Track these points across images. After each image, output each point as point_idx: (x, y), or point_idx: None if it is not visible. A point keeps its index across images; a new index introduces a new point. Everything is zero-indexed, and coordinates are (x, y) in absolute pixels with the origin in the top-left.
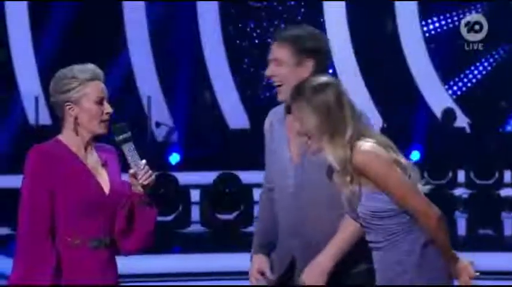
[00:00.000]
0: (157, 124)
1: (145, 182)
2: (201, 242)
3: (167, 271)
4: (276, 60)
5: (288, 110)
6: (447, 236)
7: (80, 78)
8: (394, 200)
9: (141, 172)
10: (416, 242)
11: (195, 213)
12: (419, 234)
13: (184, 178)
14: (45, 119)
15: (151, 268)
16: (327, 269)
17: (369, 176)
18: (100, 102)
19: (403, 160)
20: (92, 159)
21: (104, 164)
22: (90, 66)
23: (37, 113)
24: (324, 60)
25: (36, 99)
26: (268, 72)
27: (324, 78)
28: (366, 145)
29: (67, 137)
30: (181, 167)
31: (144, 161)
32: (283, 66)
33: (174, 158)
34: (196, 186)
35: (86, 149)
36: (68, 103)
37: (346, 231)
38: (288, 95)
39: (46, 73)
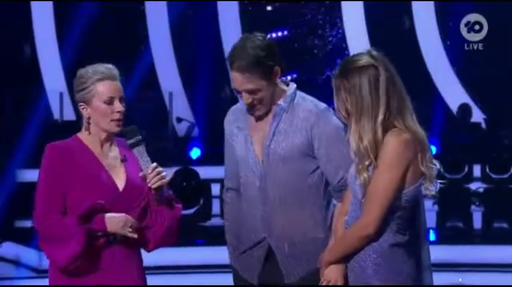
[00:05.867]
0: (179, 120)
1: (154, 186)
2: (222, 235)
3: (189, 263)
4: (248, 90)
5: (250, 112)
6: (352, 250)
7: (91, 78)
8: (366, 186)
9: (150, 175)
10: (384, 241)
11: (216, 206)
12: (389, 235)
13: (205, 172)
14: (69, 114)
15: (173, 260)
16: (342, 267)
17: (380, 155)
18: (110, 101)
19: (423, 167)
20: (110, 156)
21: (123, 160)
22: (104, 66)
23: (61, 109)
24: (281, 59)
25: (61, 95)
26: (246, 101)
27: (365, 59)
28: (403, 134)
29: (84, 134)
30: (202, 161)
31: (154, 164)
32: (258, 93)
33: (195, 153)
34: (217, 180)
35: (102, 146)
36: (81, 103)
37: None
38: (265, 111)
39: (71, 70)
